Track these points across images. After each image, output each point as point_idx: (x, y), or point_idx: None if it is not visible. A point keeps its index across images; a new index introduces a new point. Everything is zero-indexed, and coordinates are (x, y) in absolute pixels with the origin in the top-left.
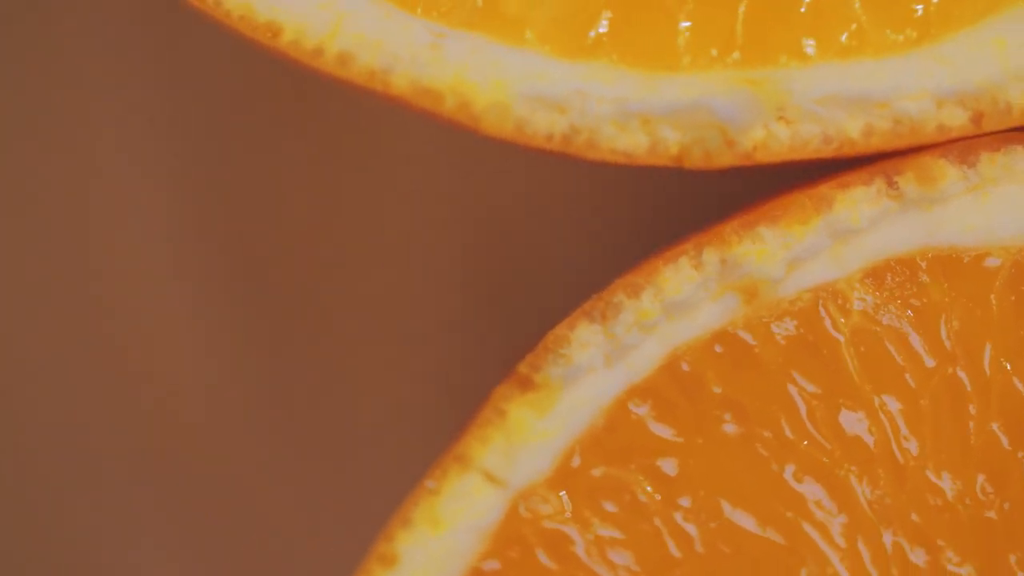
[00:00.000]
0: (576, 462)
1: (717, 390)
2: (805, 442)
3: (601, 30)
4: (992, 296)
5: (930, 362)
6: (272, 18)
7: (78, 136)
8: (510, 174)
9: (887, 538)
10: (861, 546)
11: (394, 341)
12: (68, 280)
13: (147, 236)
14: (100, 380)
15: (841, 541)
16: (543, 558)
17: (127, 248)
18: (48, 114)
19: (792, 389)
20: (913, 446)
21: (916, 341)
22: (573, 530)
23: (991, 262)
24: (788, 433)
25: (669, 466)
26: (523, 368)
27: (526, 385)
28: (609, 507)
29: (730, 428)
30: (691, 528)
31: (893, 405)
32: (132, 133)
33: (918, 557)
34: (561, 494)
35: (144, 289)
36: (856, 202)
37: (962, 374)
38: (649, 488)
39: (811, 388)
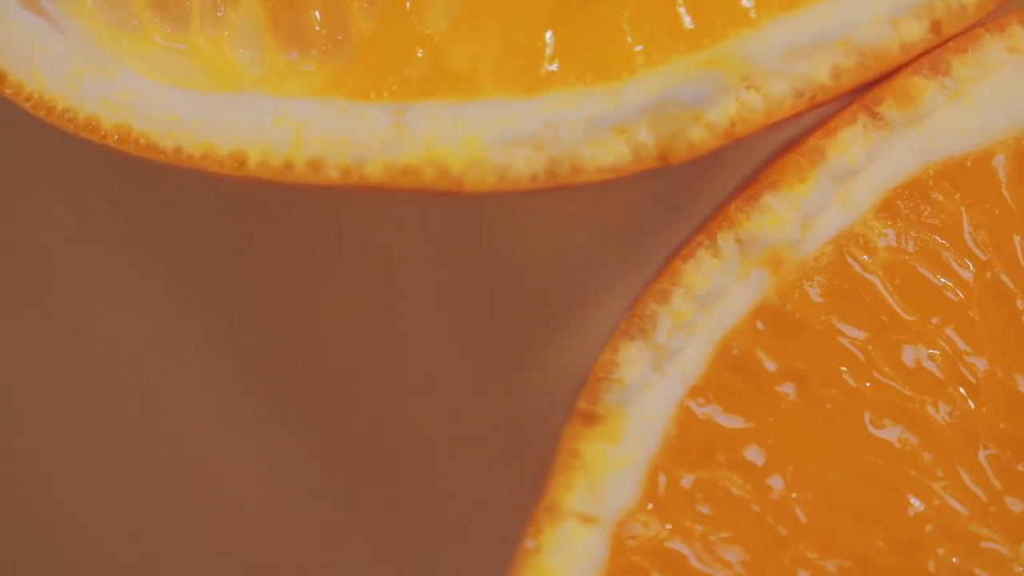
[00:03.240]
0: (662, 478)
1: (772, 365)
2: (871, 386)
3: (551, 57)
4: (1004, 191)
5: (966, 273)
6: (235, 148)
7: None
8: (495, 220)
9: (981, 454)
10: (959, 470)
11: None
12: (115, 429)
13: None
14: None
15: (938, 471)
16: None
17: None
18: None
19: (843, 341)
20: (977, 358)
21: (947, 257)
22: (679, 543)
23: (993, 160)
24: (853, 384)
25: (750, 452)
26: (582, 404)
27: (590, 419)
28: (706, 510)
29: (795, 397)
30: (790, 504)
31: (945, 326)
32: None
33: (1017, 462)
34: (653, 510)
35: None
36: (847, 144)
37: (1001, 275)
38: (738, 479)
39: (861, 335)
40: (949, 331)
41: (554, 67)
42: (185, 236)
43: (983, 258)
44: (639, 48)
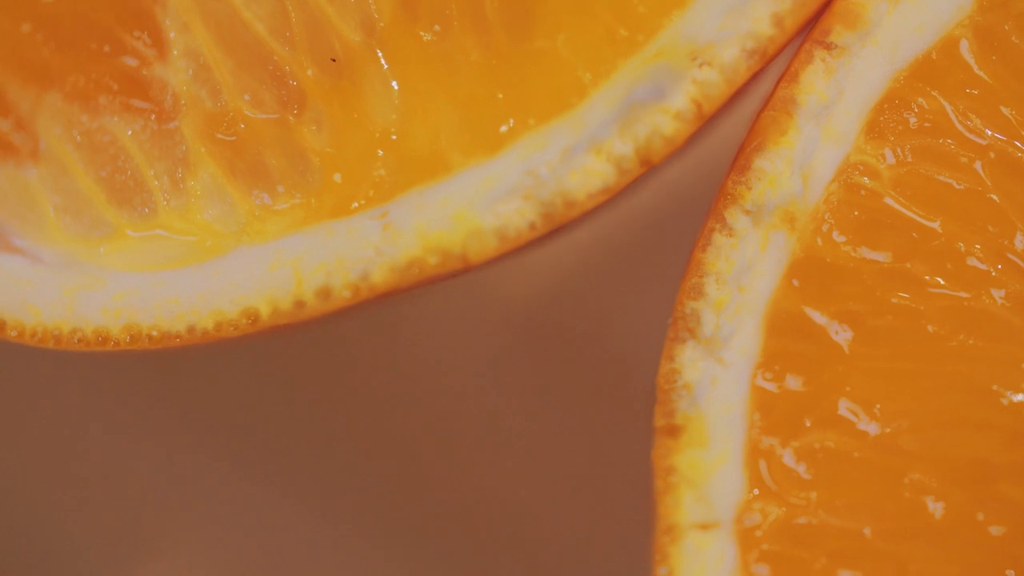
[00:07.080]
0: (762, 462)
1: (822, 317)
2: (923, 301)
3: (506, 109)
4: (978, 71)
5: (974, 162)
6: (244, 307)
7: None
8: (494, 283)
9: None
10: None
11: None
12: None
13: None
14: None
15: (1018, 356)
16: (797, 553)
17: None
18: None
19: (880, 268)
20: (1012, 238)
21: (949, 151)
22: (803, 517)
23: (957, 45)
24: (905, 305)
25: (834, 406)
26: (660, 420)
27: (673, 432)
28: (811, 475)
29: (856, 338)
30: (890, 440)
31: (973, 218)
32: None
33: None
34: (764, 495)
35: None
36: (812, 83)
37: (1007, 149)
38: (833, 435)
39: (895, 256)
40: (979, 223)
41: (512, 117)
42: (216, 391)
43: (982, 142)
44: (584, 68)
